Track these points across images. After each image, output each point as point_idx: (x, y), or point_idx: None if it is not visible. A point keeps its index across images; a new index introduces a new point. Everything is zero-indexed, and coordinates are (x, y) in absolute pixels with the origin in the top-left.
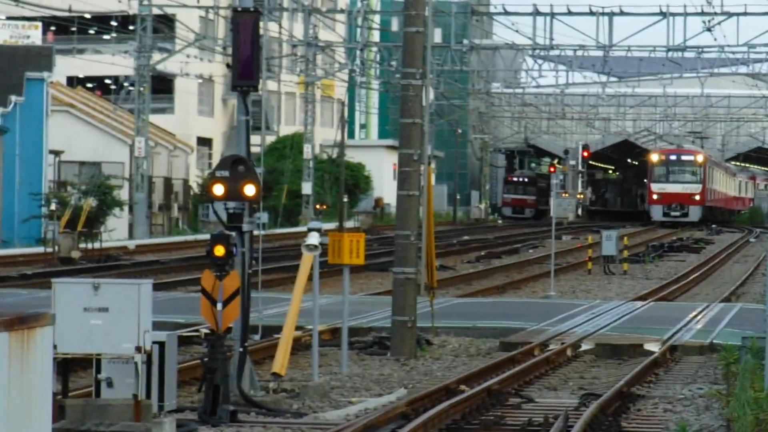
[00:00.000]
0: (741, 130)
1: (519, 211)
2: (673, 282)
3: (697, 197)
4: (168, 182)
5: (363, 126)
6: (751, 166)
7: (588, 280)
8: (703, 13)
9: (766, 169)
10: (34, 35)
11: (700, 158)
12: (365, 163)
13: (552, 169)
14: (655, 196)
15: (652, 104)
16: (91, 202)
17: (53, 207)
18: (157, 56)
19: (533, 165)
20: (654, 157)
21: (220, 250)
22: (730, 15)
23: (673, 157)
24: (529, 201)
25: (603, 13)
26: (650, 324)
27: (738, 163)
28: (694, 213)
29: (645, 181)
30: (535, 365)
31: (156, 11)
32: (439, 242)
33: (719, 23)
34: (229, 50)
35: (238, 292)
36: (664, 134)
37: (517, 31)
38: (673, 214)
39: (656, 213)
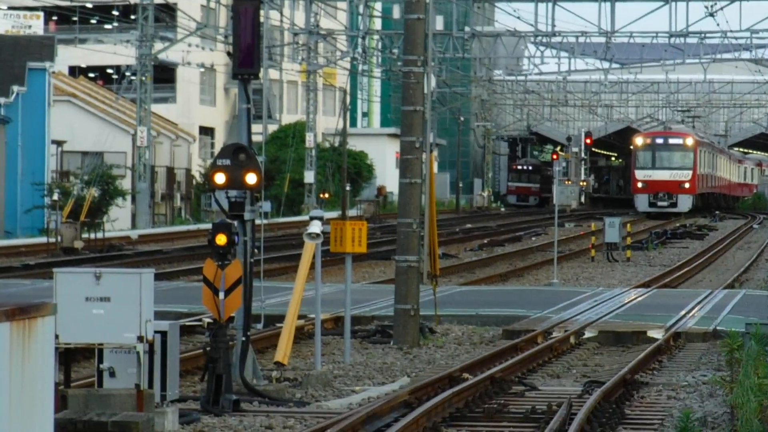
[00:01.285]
0: (744, 116)
1: (524, 199)
2: (676, 269)
3: (687, 185)
4: (170, 172)
5: (365, 114)
6: (755, 152)
7: (591, 268)
8: None
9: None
10: (36, 25)
11: (689, 141)
12: (367, 152)
13: (555, 157)
14: (639, 185)
15: (655, 90)
16: (94, 192)
17: (56, 197)
18: (158, 45)
19: (536, 152)
20: (638, 141)
21: (221, 239)
22: (732, 0)
23: (659, 141)
24: (534, 189)
25: None
26: (653, 311)
27: (742, 150)
28: (684, 203)
29: None
30: (538, 353)
31: (157, 0)
32: (441, 230)
33: (722, 8)
34: (231, 39)
35: (240, 281)
36: (666, 120)
37: (519, 17)
38: (660, 204)
39: (641, 203)
